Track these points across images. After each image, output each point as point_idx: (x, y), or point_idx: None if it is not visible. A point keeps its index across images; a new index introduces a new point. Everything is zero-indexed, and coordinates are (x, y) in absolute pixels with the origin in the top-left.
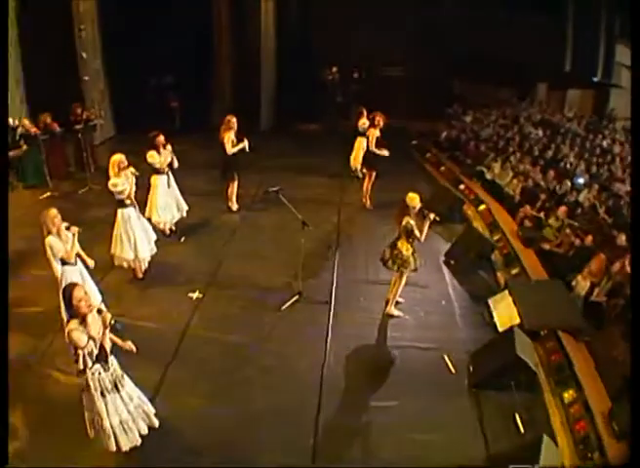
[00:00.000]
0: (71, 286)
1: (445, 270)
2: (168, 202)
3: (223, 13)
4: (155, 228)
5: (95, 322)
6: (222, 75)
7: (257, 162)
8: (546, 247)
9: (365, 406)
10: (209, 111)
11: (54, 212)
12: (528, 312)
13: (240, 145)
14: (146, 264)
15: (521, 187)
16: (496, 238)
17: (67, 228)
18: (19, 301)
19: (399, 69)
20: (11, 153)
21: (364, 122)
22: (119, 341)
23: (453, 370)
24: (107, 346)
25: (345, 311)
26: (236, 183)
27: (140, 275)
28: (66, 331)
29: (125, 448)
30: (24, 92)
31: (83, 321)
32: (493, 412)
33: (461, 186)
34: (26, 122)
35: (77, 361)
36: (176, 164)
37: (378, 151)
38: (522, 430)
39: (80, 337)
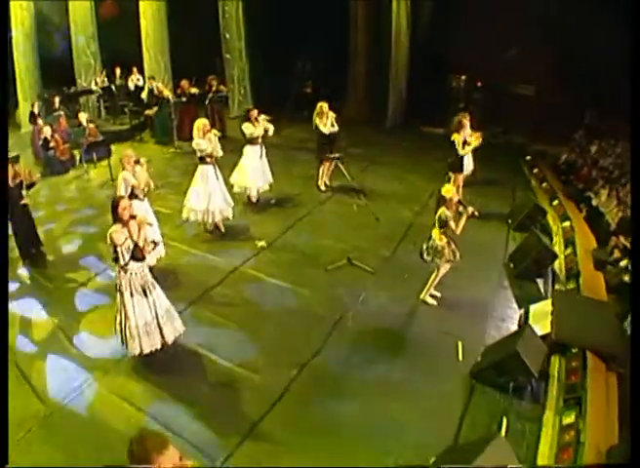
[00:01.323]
0: (119, 197)
1: (501, 271)
2: (256, 171)
3: (360, 12)
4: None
5: (133, 227)
6: (357, 70)
7: (369, 155)
8: (625, 279)
9: (360, 364)
10: (341, 102)
11: (128, 152)
12: (561, 323)
13: (334, 128)
14: (217, 219)
15: (620, 217)
16: (567, 252)
17: (137, 162)
18: None
19: (530, 89)
20: (146, 112)
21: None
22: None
23: (460, 358)
24: (141, 245)
25: (386, 283)
26: (328, 165)
27: (209, 228)
28: (108, 233)
29: (146, 350)
30: (170, 60)
31: (125, 226)
32: (480, 407)
33: (555, 202)
34: (160, 85)
35: (116, 259)
36: (271, 132)
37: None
38: (503, 433)
39: (119, 236)
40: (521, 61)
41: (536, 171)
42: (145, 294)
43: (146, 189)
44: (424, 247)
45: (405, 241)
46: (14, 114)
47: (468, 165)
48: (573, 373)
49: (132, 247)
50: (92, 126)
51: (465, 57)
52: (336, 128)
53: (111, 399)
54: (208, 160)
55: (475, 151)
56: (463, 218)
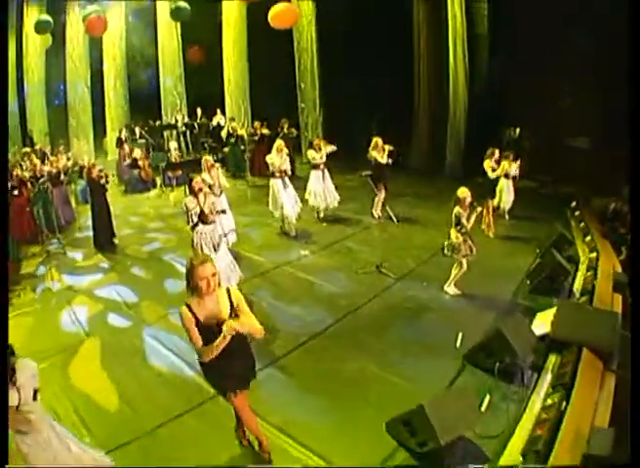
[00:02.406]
0: (193, 176)
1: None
2: (319, 191)
3: (422, 70)
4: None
5: (201, 197)
6: (420, 124)
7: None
8: None
9: (366, 342)
10: (406, 152)
11: (208, 157)
12: (561, 322)
13: (390, 159)
14: (292, 221)
15: None
16: (588, 274)
17: (212, 166)
18: None
19: (584, 140)
20: (224, 149)
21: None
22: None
23: (458, 345)
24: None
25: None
26: (383, 194)
27: (284, 230)
28: (183, 202)
29: None
30: (249, 105)
31: (195, 196)
32: (466, 383)
33: (587, 238)
34: (235, 125)
35: (189, 222)
36: (323, 158)
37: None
38: (482, 409)
39: (190, 203)
40: (575, 112)
41: (577, 213)
42: (215, 250)
43: (220, 188)
44: (445, 244)
45: (433, 257)
46: (102, 142)
47: (505, 195)
48: (566, 365)
49: (199, 212)
50: (176, 153)
51: (520, 109)
52: (391, 160)
53: None
54: (277, 175)
55: (519, 194)
56: (473, 216)
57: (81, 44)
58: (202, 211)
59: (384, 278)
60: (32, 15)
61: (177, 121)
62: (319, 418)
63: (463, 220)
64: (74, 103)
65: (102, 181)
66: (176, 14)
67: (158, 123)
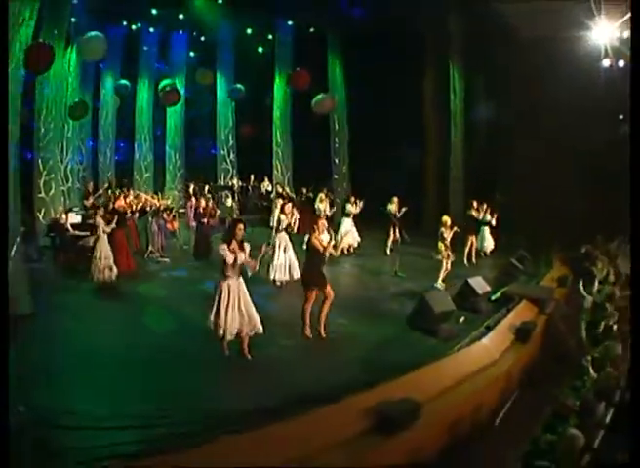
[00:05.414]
0: (236, 220)
1: None
2: (350, 234)
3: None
4: None
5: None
6: (429, 190)
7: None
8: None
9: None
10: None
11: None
12: (511, 288)
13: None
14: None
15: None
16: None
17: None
18: None
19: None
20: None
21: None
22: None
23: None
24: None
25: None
26: (393, 237)
27: None
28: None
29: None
30: (291, 175)
31: (230, 243)
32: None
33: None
34: (279, 188)
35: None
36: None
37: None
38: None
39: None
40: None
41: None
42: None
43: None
44: (435, 251)
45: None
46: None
47: (485, 240)
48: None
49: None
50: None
51: (510, 178)
52: (402, 209)
53: None
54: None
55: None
56: (450, 234)
57: (147, 109)
58: (288, 223)
59: (398, 279)
60: (108, 79)
61: (233, 184)
62: None
63: (445, 235)
64: (139, 161)
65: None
66: (233, 93)
67: (219, 183)
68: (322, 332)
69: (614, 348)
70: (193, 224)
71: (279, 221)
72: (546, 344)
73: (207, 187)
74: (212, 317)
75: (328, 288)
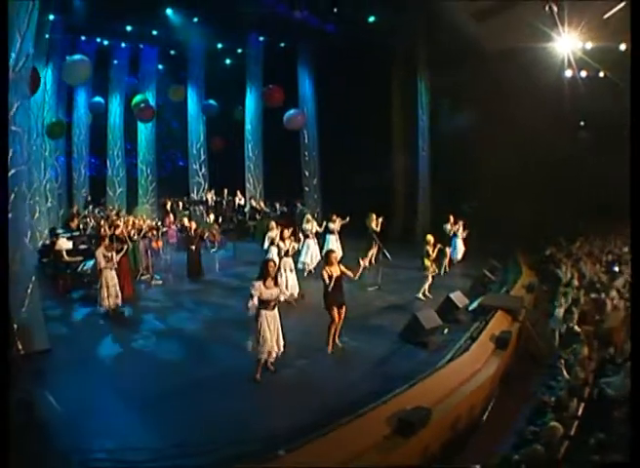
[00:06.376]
0: (266, 260)
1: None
2: (312, 254)
3: (399, 164)
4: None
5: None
6: (398, 204)
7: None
8: None
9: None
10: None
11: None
12: (486, 299)
13: (379, 225)
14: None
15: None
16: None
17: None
18: None
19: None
20: (249, 222)
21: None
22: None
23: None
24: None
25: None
26: (373, 251)
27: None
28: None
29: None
30: (263, 187)
31: (265, 280)
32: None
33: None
34: (253, 202)
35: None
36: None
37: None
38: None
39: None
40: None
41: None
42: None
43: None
44: (421, 266)
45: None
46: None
47: (460, 249)
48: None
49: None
50: (216, 226)
51: (475, 188)
52: (381, 225)
53: None
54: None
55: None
56: (435, 250)
57: (119, 124)
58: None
59: (383, 292)
60: (80, 94)
61: (207, 199)
62: None
63: (430, 252)
64: (112, 177)
65: (198, 237)
66: (206, 109)
67: (192, 198)
68: (329, 349)
69: (580, 350)
70: (174, 241)
71: (279, 247)
72: (521, 348)
73: (181, 203)
74: (255, 344)
75: (343, 308)
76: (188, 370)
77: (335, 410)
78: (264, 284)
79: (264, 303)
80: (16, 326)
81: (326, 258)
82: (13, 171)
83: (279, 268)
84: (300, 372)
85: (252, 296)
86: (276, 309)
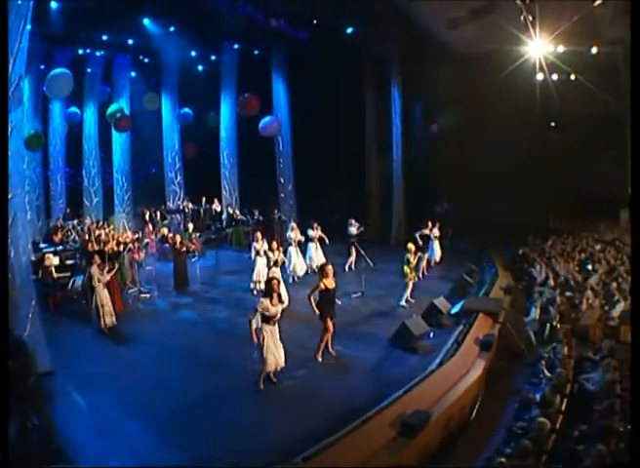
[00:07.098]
0: (271, 278)
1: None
2: (315, 258)
3: (374, 164)
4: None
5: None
6: (373, 207)
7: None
8: None
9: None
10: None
11: (274, 243)
12: (469, 302)
13: (358, 230)
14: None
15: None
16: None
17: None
18: None
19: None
20: (227, 229)
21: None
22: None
23: None
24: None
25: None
26: (353, 257)
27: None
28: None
29: None
30: (239, 195)
31: (272, 298)
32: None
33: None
34: (230, 209)
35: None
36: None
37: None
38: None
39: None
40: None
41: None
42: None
43: (280, 262)
44: (402, 273)
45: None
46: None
47: (437, 252)
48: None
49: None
50: (194, 235)
51: (448, 189)
52: (361, 230)
53: None
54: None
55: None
56: (415, 258)
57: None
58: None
59: (367, 299)
60: (56, 105)
61: (184, 207)
62: None
63: (411, 260)
64: (88, 187)
65: (184, 248)
66: (182, 118)
67: (169, 207)
68: (318, 358)
69: (560, 349)
70: (153, 251)
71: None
72: (502, 348)
73: (159, 213)
74: (259, 358)
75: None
76: (193, 384)
77: (340, 417)
78: (271, 302)
79: (268, 319)
80: (18, 348)
81: (322, 271)
82: (11, 195)
83: None
84: (301, 382)
85: (255, 311)
86: (277, 324)
